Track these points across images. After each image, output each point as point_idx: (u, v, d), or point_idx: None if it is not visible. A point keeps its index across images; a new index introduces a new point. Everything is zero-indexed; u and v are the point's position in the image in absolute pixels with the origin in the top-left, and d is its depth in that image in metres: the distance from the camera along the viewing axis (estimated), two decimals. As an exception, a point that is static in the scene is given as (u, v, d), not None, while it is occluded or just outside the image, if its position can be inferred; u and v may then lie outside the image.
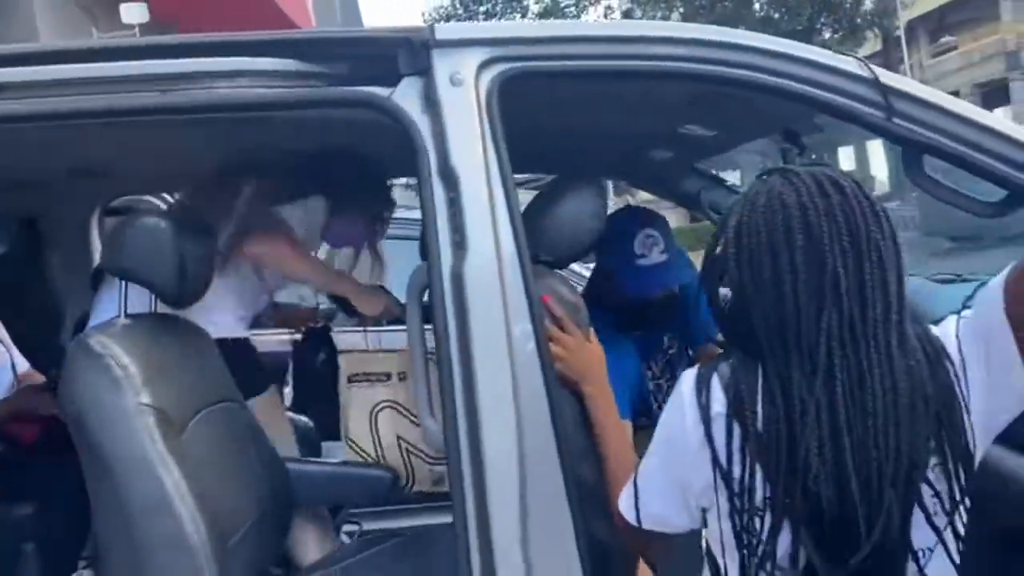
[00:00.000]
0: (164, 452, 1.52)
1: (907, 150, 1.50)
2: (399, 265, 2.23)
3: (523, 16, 18.78)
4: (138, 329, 1.70)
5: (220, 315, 2.63)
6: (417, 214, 2.72)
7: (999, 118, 1.51)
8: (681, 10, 17.89)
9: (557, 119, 2.04)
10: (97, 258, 3.12)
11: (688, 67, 1.47)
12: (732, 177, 3.49)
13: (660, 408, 2.23)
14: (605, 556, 1.41)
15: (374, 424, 2.26)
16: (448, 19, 18.32)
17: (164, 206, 3.22)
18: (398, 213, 3.65)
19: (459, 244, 1.41)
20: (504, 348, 1.36)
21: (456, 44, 1.44)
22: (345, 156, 2.56)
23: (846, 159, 20.60)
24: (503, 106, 1.44)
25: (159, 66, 1.44)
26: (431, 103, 1.43)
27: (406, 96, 1.44)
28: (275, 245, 2.69)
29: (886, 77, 1.44)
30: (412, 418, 2.19)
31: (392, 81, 1.45)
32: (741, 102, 1.80)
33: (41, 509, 2.47)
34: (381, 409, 2.26)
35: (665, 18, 16.98)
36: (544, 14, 18.43)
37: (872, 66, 1.47)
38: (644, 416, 2.23)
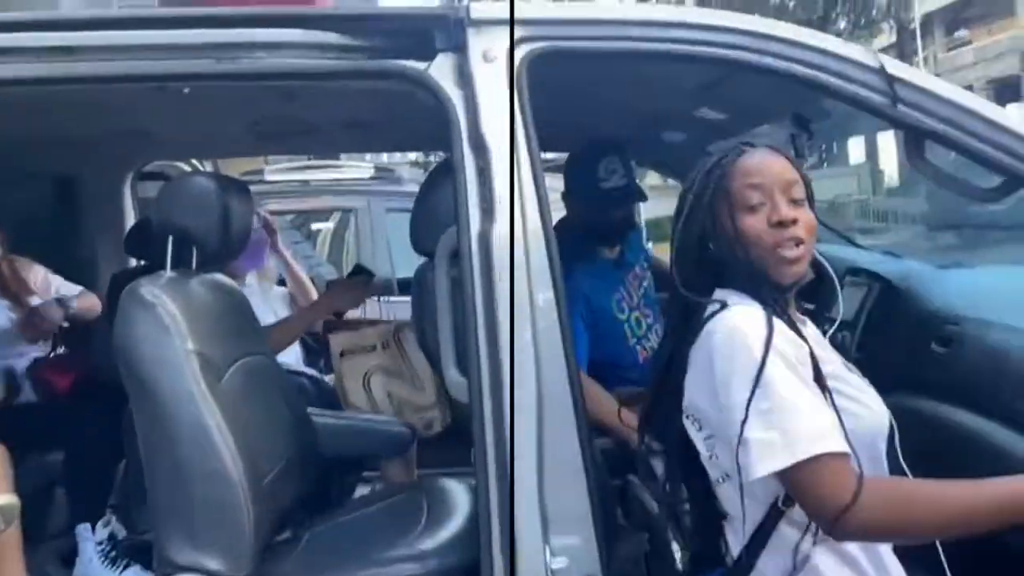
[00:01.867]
0: (207, 392, 1.63)
1: (909, 136, 1.59)
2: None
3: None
4: (183, 282, 1.81)
5: None
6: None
7: (999, 108, 1.60)
8: (697, -4, 17.80)
9: (581, 98, 2.13)
10: (130, 220, 3.23)
11: (705, 51, 1.56)
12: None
13: (641, 336, 2.45)
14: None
15: (367, 386, 2.86)
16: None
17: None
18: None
19: (487, 211, 1.50)
20: (527, 313, 1.46)
21: (490, 23, 1.53)
22: None
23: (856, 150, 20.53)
24: (532, 83, 1.53)
25: (214, 35, 1.53)
26: (464, 78, 1.52)
27: (441, 70, 1.53)
28: None
29: (891, 66, 1.53)
30: (399, 377, 2.88)
31: (428, 56, 1.54)
32: (754, 87, 1.89)
33: (71, 456, 2.59)
34: (372, 374, 2.89)
35: (680, 3, 16.91)
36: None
37: (878, 54, 1.56)
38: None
